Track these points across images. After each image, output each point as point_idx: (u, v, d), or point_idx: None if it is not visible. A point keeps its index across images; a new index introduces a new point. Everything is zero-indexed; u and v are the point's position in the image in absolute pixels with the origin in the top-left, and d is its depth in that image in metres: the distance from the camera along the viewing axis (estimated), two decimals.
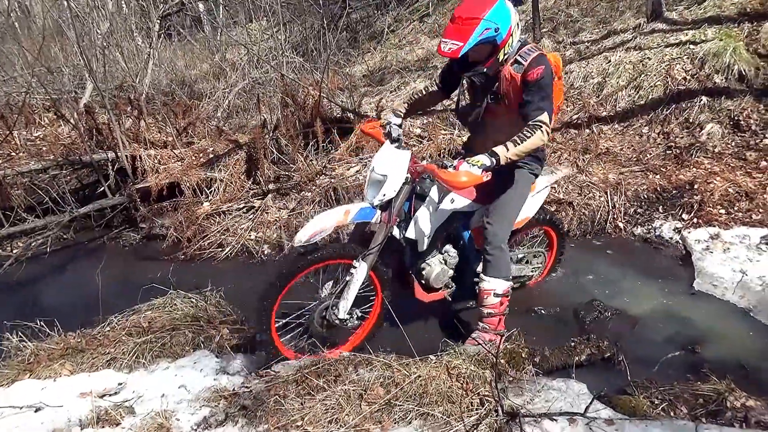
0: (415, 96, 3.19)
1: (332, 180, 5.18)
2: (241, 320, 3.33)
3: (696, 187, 4.34)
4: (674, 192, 4.43)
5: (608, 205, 4.48)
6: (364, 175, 5.15)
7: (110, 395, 2.56)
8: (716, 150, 4.75)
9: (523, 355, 2.71)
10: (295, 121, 5.58)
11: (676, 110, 5.19)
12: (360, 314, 2.90)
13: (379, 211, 2.71)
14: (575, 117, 5.62)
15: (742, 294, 3.36)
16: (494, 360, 2.43)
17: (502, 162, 2.44)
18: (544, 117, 2.48)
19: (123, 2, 8.63)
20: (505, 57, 2.60)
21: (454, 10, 2.52)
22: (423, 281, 3.03)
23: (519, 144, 2.44)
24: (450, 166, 2.48)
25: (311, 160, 5.51)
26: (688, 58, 5.46)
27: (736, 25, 5.62)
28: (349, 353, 2.79)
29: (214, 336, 3.09)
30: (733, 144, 4.78)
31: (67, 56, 8.65)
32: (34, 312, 3.58)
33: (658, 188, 4.51)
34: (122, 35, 7.77)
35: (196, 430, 2.32)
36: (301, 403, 2.33)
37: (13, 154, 6.05)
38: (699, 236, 3.94)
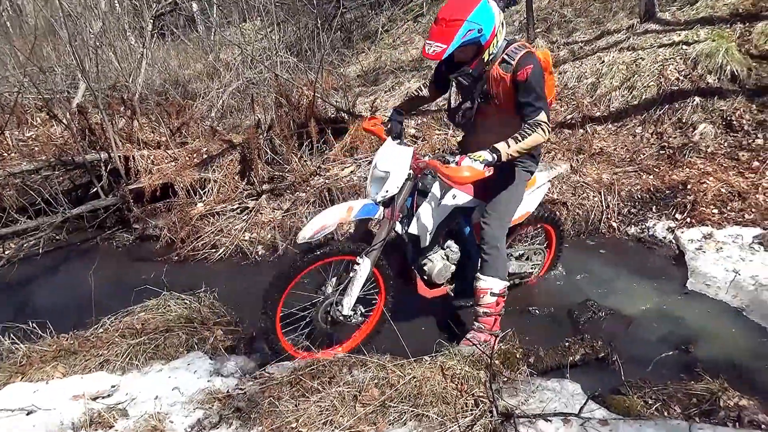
0: (410, 95, 3.21)
1: (326, 180, 5.17)
2: (235, 321, 3.33)
3: (689, 187, 4.36)
4: (667, 192, 4.45)
5: (602, 205, 4.50)
6: (358, 176, 5.16)
7: (103, 398, 2.55)
8: (709, 150, 4.77)
9: (518, 356, 2.71)
10: (290, 121, 5.56)
11: (670, 110, 5.21)
12: (364, 310, 2.92)
13: (382, 208, 2.73)
14: (569, 117, 5.64)
15: (735, 293, 3.37)
16: (489, 361, 2.43)
17: (503, 158, 2.45)
18: (543, 116, 2.50)
19: (116, 1, 8.58)
20: (491, 57, 2.61)
21: (438, 11, 2.53)
22: (425, 277, 3.05)
23: (520, 141, 2.46)
24: (452, 162, 2.48)
25: (305, 161, 5.50)
26: (681, 58, 5.48)
27: (728, 25, 5.65)
28: (344, 354, 2.79)
29: (208, 337, 3.09)
30: (725, 144, 4.80)
31: (59, 56, 8.61)
32: (26, 314, 3.58)
33: (652, 188, 4.53)
34: (115, 35, 7.74)
35: None
36: (296, 405, 2.32)
37: (4, 154, 6.03)
38: (692, 236, 3.96)
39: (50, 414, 2.39)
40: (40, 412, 2.40)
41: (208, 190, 5.31)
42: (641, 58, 5.74)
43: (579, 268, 3.85)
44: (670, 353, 2.87)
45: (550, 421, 2.17)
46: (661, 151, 4.97)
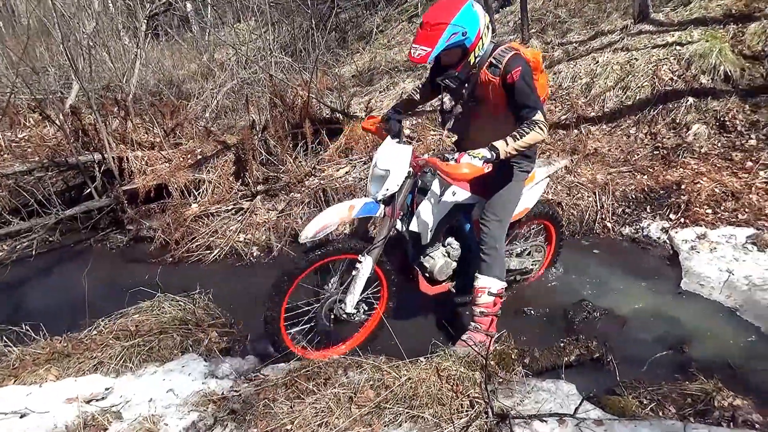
0: (407, 96, 3.22)
1: (321, 181, 5.17)
2: (229, 323, 3.32)
3: (683, 187, 4.38)
4: (661, 192, 4.47)
5: (596, 206, 4.51)
6: (353, 176, 5.15)
7: (97, 400, 2.53)
8: (703, 150, 4.79)
9: (513, 357, 2.72)
10: (284, 121, 5.55)
11: (663, 111, 5.23)
12: (367, 308, 2.94)
13: (382, 206, 2.75)
14: (563, 118, 5.65)
15: (729, 293, 3.38)
16: (484, 361, 2.44)
17: (502, 156, 2.47)
18: (539, 115, 2.51)
19: (109, 1, 8.55)
20: (477, 60, 2.62)
21: (423, 15, 2.55)
22: (427, 274, 3.07)
23: (518, 139, 2.47)
24: (451, 159, 2.49)
25: (300, 161, 5.49)
26: (674, 59, 5.50)
27: (721, 26, 5.68)
28: (339, 356, 2.79)
29: (203, 339, 3.07)
30: (719, 144, 4.82)
31: (52, 56, 8.56)
32: (19, 316, 3.55)
33: (646, 188, 4.55)
34: (109, 35, 7.68)
35: None
36: (291, 407, 2.32)
37: None
38: (686, 236, 3.97)
39: (43, 417, 2.38)
40: (34, 416, 2.39)
41: (203, 191, 5.30)
42: (635, 58, 5.76)
43: (574, 268, 3.86)
44: (665, 353, 2.88)
45: (546, 421, 2.18)
46: (655, 152, 4.99)
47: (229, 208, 5.14)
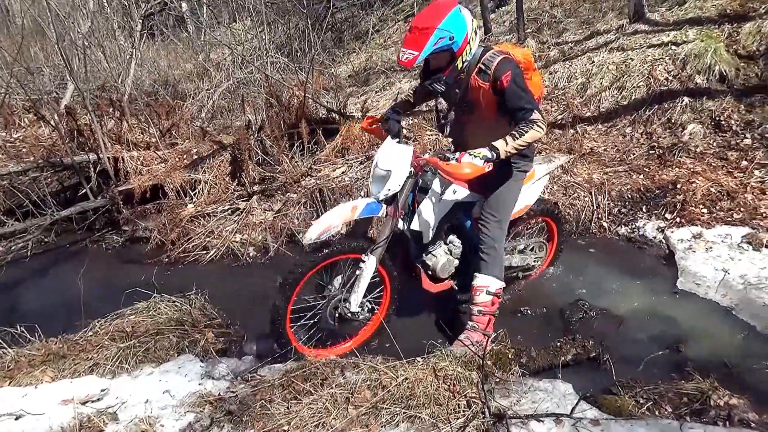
0: (402, 97, 3.23)
1: (318, 181, 5.16)
2: (226, 324, 3.31)
3: (679, 186, 4.39)
4: (657, 192, 4.48)
5: (593, 205, 4.52)
6: (350, 176, 5.15)
7: (93, 402, 2.52)
8: (698, 150, 4.80)
9: (510, 356, 2.72)
10: (280, 121, 5.55)
11: (659, 110, 5.24)
12: (371, 307, 2.98)
13: (384, 206, 2.78)
14: (559, 117, 5.66)
15: (725, 293, 3.39)
16: (481, 361, 2.44)
17: (502, 155, 2.49)
18: (536, 114, 2.53)
19: (104, 1, 8.51)
20: (465, 65, 2.63)
21: (412, 20, 2.57)
22: (430, 272, 3.09)
23: (518, 138, 2.49)
24: (452, 159, 2.51)
25: (296, 162, 5.48)
26: (670, 58, 5.51)
27: (716, 26, 5.69)
28: (336, 357, 2.80)
29: (199, 340, 3.06)
30: (714, 144, 4.84)
31: (47, 56, 8.54)
32: (14, 317, 3.53)
33: (642, 188, 4.56)
34: (104, 35, 7.66)
35: None
36: (288, 408, 2.31)
37: None
38: (682, 235, 3.98)
39: (39, 419, 2.37)
40: (29, 417, 2.37)
41: (199, 192, 5.29)
42: (631, 58, 5.77)
43: (570, 268, 3.86)
44: (661, 353, 2.89)
45: (542, 421, 2.18)
46: (650, 151, 5.00)
47: (226, 208, 5.13)
